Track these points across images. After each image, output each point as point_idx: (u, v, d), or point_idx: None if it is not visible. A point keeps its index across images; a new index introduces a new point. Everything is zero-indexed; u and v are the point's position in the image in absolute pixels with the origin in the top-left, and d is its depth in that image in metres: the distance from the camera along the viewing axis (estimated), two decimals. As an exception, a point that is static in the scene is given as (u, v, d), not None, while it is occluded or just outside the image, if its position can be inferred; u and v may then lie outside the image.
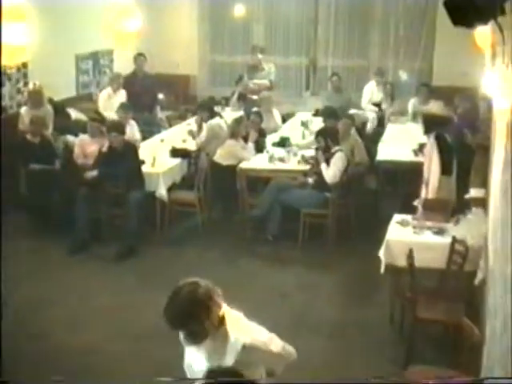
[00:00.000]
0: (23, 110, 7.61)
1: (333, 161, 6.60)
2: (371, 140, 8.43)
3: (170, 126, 9.35)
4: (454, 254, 4.85)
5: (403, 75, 10.37)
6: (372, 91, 9.64)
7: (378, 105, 9.54)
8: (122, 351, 4.67)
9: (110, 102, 8.55)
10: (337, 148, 6.71)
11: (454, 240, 4.89)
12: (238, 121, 7.58)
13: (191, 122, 8.68)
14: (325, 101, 9.34)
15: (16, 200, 7.32)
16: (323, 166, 6.62)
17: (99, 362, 4.50)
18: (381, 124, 9.34)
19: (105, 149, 6.70)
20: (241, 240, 6.86)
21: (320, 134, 6.84)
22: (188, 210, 7.15)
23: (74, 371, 4.31)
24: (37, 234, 6.87)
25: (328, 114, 7.75)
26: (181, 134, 8.42)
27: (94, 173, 6.57)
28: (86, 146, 7.06)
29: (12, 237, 6.39)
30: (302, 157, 7.18)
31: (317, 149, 6.75)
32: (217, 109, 8.74)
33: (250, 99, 9.28)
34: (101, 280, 5.93)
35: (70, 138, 7.55)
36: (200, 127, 7.96)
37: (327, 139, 6.69)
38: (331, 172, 6.57)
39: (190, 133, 8.15)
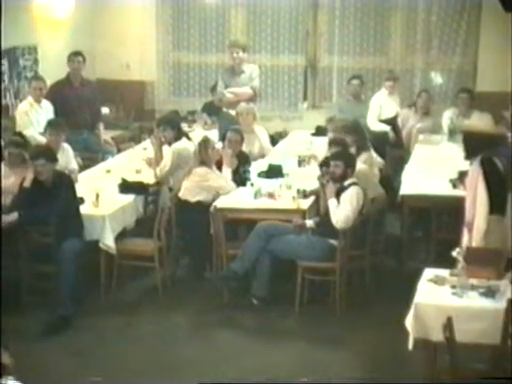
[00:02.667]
0: None
1: (345, 197, 6.62)
2: (390, 167, 8.51)
3: (119, 150, 9.39)
4: (512, 323, 4.85)
5: (436, 78, 10.54)
6: (381, 104, 9.78)
7: (391, 121, 9.67)
8: None
9: (34, 118, 8.58)
10: (351, 180, 6.77)
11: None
12: (203, 142, 7.49)
13: (148, 146, 8.71)
14: (337, 113, 9.46)
15: None
16: (333, 202, 6.64)
17: None
18: (399, 145, 9.44)
19: (28, 183, 6.68)
20: (216, 305, 6.84)
21: (339, 156, 6.87)
22: (144, 265, 7.13)
23: None
24: None
25: (350, 129, 7.79)
26: (134, 161, 8.45)
27: (13, 216, 6.55)
28: (2, 180, 7.06)
29: None
30: (299, 191, 7.22)
31: (325, 179, 6.78)
32: (183, 127, 8.81)
33: (227, 114, 9.33)
34: (21, 365, 5.83)
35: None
36: (160, 152, 8.00)
37: (347, 165, 6.73)
38: (343, 212, 6.57)
39: (147, 160, 8.18)
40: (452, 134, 8.90)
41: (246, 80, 9.52)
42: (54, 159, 6.83)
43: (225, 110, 9.39)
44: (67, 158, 7.79)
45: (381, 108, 9.75)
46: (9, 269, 6.61)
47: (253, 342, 6.26)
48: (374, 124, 9.65)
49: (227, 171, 7.54)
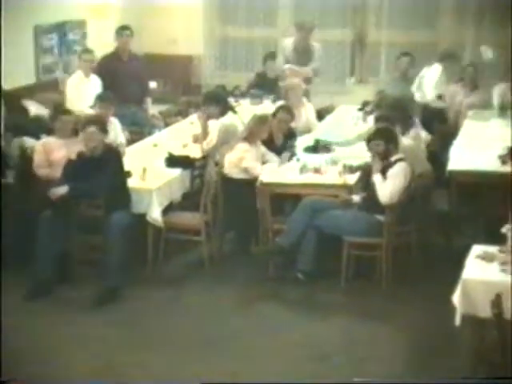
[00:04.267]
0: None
1: (392, 173, 6.60)
2: (438, 143, 8.43)
3: (166, 125, 9.44)
4: None
5: (486, 53, 10.36)
6: (437, 81, 9.65)
7: (439, 96, 9.58)
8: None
9: (83, 92, 8.67)
10: (398, 156, 6.73)
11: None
12: (262, 119, 7.62)
13: (194, 120, 8.75)
14: (384, 88, 9.40)
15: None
16: (378, 178, 6.63)
17: None
18: (447, 121, 9.35)
19: (78, 155, 6.75)
20: (261, 279, 6.89)
21: (379, 134, 6.86)
22: (190, 239, 7.19)
23: None
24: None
25: (397, 105, 7.73)
26: (181, 136, 8.49)
27: (63, 189, 6.59)
28: (51, 152, 7.14)
29: None
30: (345, 166, 7.21)
31: (372, 155, 6.77)
32: (230, 102, 8.82)
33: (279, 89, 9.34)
34: (71, 336, 5.96)
35: (28, 140, 7.65)
36: (207, 127, 8.03)
37: (388, 142, 6.72)
38: (389, 188, 6.55)
39: (194, 135, 8.22)
40: (502, 109, 8.79)
41: (309, 60, 9.55)
42: (104, 130, 6.85)
43: (281, 84, 9.41)
44: (115, 132, 7.86)
45: (436, 83, 9.64)
46: (59, 241, 6.74)
47: (298, 316, 6.28)
48: (423, 99, 9.55)
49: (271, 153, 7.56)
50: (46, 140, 7.29)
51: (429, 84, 9.62)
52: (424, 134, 7.96)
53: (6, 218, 7.05)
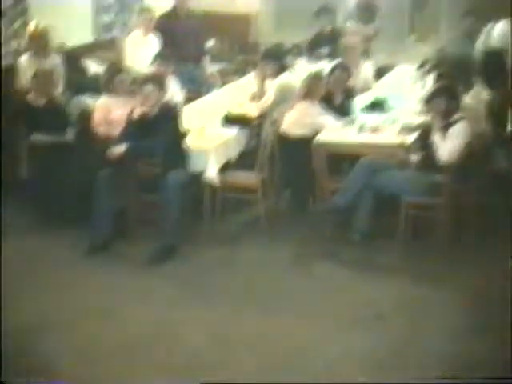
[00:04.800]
0: (23, 60, 7.82)
1: (452, 132, 6.49)
2: (500, 102, 8.25)
3: (224, 83, 9.44)
4: None
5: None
6: (503, 36, 9.41)
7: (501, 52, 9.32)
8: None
9: (141, 51, 8.69)
10: (459, 115, 6.62)
11: None
12: (316, 76, 7.58)
13: (252, 79, 8.73)
14: (445, 47, 9.22)
15: (15, 185, 7.58)
16: (438, 137, 6.53)
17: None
18: (507, 79, 9.11)
19: (136, 114, 6.80)
20: (317, 239, 6.89)
21: (440, 92, 6.73)
22: (247, 198, 7.22)
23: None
24: (43, 229, 7.07)
25: (457, 64, 7.59)
26: (238, 94, 8.48)
27: (121, 147, 6.66)
28: (110, 111, 7.19)
29: (10, 234, 6.63)
30: (404, 125, 7.12)
31: (430, 114, 6.67)
32: (287, 60, 8.77)
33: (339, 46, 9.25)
34: (129, 291, 6.07)
35: (87, 99, 7.73)
36: (264, 86, 8.00)
37: (450, 100, 6.60)
38: (449, 147, 6.46)
39: (251, 94, 8.20)
40: None
41: (372, 18, 9.42)
42: (162, 88, 6.86)
43: (340, 42, 9.31)
44: (173, 91, 7.88)
45: (500, 40, 9.41)
46: (118, 199, 6.83)
47: (353, 276, 6.27)
48: (487, 56, 9.33)
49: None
50: (106, 99, 7.35)
51: (493, 41, 9.41)
52: (485, 93, 7.80)
53: (67, 175, 7.18)
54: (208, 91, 8.94)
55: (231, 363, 4.99)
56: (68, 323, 5.51)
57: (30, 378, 4.69)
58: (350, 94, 7.87)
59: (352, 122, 7.36)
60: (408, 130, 7.05)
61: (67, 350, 5.16)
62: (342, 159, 7.22)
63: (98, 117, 7.22)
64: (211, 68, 9.68)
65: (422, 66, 9.08)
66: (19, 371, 4.81)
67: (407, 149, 6.88)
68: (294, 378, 4.77)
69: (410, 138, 6.95)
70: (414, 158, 6.77)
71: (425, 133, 6.75)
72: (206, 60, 9.60)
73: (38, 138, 7.25)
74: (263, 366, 4.93)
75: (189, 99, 8.38)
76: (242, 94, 8.40)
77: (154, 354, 5.13)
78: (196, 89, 8.91)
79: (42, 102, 7.33)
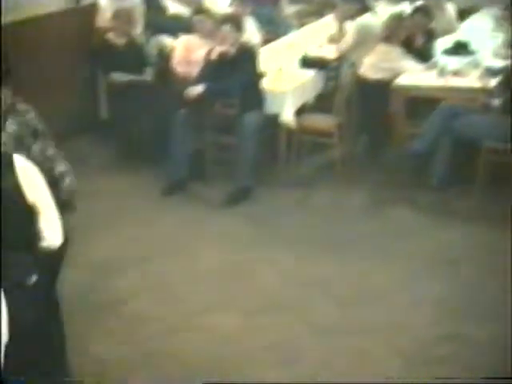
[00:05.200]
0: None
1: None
2: None
3: (302, 25, 9.35)
4: None
5: None
6: None
7: None
8: (226, 328, 4.80)
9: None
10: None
11: None
12: (397, 17, 7.43)
13: (330, 21, 8.62)
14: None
15: (93, 125, 7.72)
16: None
17: (194, 340, 4.64)
18: None
19: (214, 54, 6.79)
20: (393, 184, 6.83)
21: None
22: (322, 141, 7.18)
23: (159, 351, 4.52)
24: (120, 169, 7.21)
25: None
26: (316, 36, 8.40)
27: (199, 88, 6.69)
28: (191, 50, 7.20)
29: (87, 174, 6.75)
30: (486, 69, 6.96)
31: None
32: (368, 2, 8.61)
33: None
34: (203, 232, 6.15)
35: (166, 39, 7.76)
36: (343, 27, 7.90)
37: None
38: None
39: (329, 35, 8.11)
40: None
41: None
42: (240, 28, 6.85)
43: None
44: (251, 31, 7.86)
45: None
46: (194, 140, 6.89)
47: (429, 222, 6.21)
48: None
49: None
50: (187, 37, 7.36)
51: None
52: None
53: (145, 115, 7.27)
54: (286, 32, 8.87)
55: (306, 304, 5.04)
56: (145, 259, 5.64)
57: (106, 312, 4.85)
58: (431, 36, 7.72)
59: (433, 65, 7.23)
60: (490, 73, 6.90)
61: (143, 285, 5.30)
62: (421, 103, 7.12)
63: (178, 55, 7.25)
64: (289, 9, 9.59)
65: (508, 7, 8.83)
66: (97, 305, 4.99)
67: (489, 93, 6.73)
68: (369, 321, 4.79)
69: (492, 83, 6.79)
70: (496, 102, 6.61)
71: (507, 77, 6.58)
72: (284, 1, 9.51)
73: (117, 77, 7.34)
74: (337, 308, 4.96)
75: (266, 40, 8.34)
76: (320, 36, 8.32)
77: (228, 293, 5.21)
78: (274, 30, 8.85)
79: (121, 41, 7.39)
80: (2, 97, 3.58)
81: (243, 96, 6.65)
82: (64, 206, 3.66)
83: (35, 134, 3.58)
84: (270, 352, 4.50)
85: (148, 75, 7.40)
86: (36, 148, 3.55)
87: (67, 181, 3.72)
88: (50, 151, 3.61)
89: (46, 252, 3.30)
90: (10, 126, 3.56)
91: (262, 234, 6.06)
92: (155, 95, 7.30)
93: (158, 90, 7.33)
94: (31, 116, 3.64)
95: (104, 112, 7.93)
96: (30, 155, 3.37)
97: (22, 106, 3.64)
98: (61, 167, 3.68)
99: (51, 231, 3.29)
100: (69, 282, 4.76)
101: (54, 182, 3.61)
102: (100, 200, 6.48)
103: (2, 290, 2.99)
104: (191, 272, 5.49)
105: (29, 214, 3.19)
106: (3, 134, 3.54)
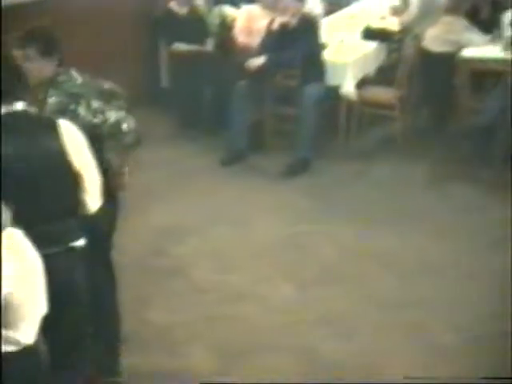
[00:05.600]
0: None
1: None
2: None
3: (364, -5, 9.28)
4: None
5: None
6: None
7: None
8: (279, 299, 4.84)
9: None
10: None
11: None
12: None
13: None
14: None
15: (155, 95, 7.79)
16: None
17: (246, 310, 4.69)
18: None
19: (275, 25, 6.77)
20: (455, 159, 6.77)
21: None
22: (383, 114, 7.15)
23: (218, 318, 4.59)
24: (180, 139, 7.27)
25: None
26: (379, 8, 8.32)
27: (260, 58, 6.68)
28: (253, 20, 7.17)
29: (148, 144, 6.80)
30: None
31: None
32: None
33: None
34: (261, 203, 6.18)
35: (228, 9, 7.77)
36: (407, -1, 7.83)
37: None
38: None
39: (393, 7, 8.03)
40: None
41: None
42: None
43: None
44: (313, 2, 7.80)
45: None
46: (254, 111, 6.90)
47: (489, 198, 6.12)
48: None
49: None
50: (249, 8, 7.34)
51: None
52: None
53: (205, 85, 7.32)
54: (348, 4, 8.81)
55: (362, 277, 5.05)
56: (204, 228, 5.70)
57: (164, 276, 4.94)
58: (498, 7, 7.56)
59: (499, 37, 7.10)
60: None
61: (202, 253, 5.37)
62: (486, 77, 7.02)
63: (240, 25, 7.24)
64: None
65: None
66: (157, 271, 5.08)
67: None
68: (426, 295, 4.78)
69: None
70: None
71: None
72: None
73: (179, 47, 7.39)
74: (394, 281, 4.97)
75: (328, 11, 8.29)
76: (383, 8, 8.24)
77: (285, 264, 5.25)
78: (336, 1, 8.79)
79: (183, 10, 7.42)
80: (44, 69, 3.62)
81: (304, 67, 6.63)
82: (131, 147, 3.75)
83: (77, 98, 3.62)
84: (326, 324, 4.53)
85: (209, 45, 7.42)
86: (81, 110, 3.60)
87: (124, 125, 3.77)
88: (96, 104, 3.67)
89: (91, 216, 3.35)
90: (52, 97, 3.61)
91: (320, 206, 6.06)
92: (216, 66, 7.32)
93: (218, 61, 7.35)
94: (72, 84, 3.67)
95: (165, 82, 8.00)
96: (77, 121, 3.42)
97: (63, 77, 3.68)
98: (113, 116, 3.73)
99: (93, 196, 3.32)
100: (129, 248, 4.88)
101: (113, 132, 3.68)
102: (160, 169, 6.56)
103: (53, 255, 3.08)
104: (249, 242, 5.53)
105: (75, 178, 3.22)
106: (47, 105, 3.59)
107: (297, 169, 6.63)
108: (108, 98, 3.73)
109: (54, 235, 3.18)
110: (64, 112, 3.54)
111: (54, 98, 3.61)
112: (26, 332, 2.78)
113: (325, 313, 4.64)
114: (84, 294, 3.32)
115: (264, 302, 4.76)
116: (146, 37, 7.87)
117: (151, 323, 4.51)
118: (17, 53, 3.59)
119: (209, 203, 6.11)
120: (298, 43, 6.54)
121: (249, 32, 7.15)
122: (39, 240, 2.88)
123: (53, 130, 3.18)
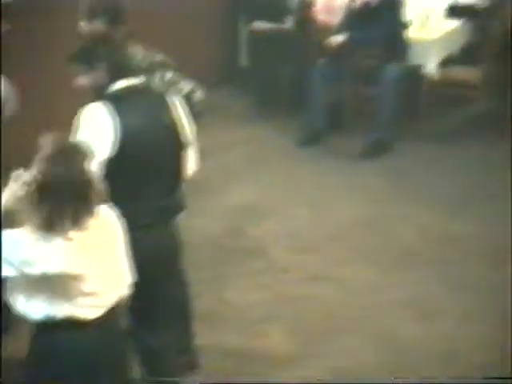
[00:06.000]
0: None
1: None
2: None
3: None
4: None
5: None
6: None
7: None
8: (357, 281, 4.81)
9: None
10: None
11: None
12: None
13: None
14: None
15: (233, 74, 7.79)
16: None
17: (324, 292, 4.67)
18: None
19: (358, 3, 6.63)
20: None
21: None
22: (466, 94, 7.00)
23: (290, 298, 4.59)
24: (258, 119, 7.22)
25: None
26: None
27: (341, 37, 6.60)
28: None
29: (226, 123, 6.86)
30: None
31: None
32: None
33: None
34: (338, 184, 6.12)
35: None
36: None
37: None
38: None
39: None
40: None
41: None
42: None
43: None
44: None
45: None
46: (333, 91, 6.83)
47: None
48: None
49: None
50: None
51: None
52: None
53: (284, 64, 7.27)
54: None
55: (443, 260, 4.97)
56: (281, 208, 5.68)
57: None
58: None
59: None
60: None
61: (279, 234, 5.36)
62: None
63: (318, 4, 7.17)
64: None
65: None
66: (234, 251, 5.09)
67: None
68: (508, 280, 4.66)
69: None
70: None
71: None
72: None
73: (259, 25, 7.36)
74: (474, 265, 4.88)
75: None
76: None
77: (364, 246, 5.20)
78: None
79: (263, -12, 7.40)
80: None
81: (386, 46, 6.53)
82: (196, 116, 3.74)
83: (149, 71, 3.66)
84: (406, 306, 4.48)
85: (289, 23, 7.37)
86: (155, 82, 3.65)
87: (197, 95, 3.83)
88: (169, 75, 3.71)
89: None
90: None
91: (399, 188, 5.98)
92: (295, 44, 7.26)
93: (298, 39, 7.28)
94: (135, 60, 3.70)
95: (244, 61, 7.98)
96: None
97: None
98: (187, 85, 3.80)
99: (189, 169, 3.41)
100: (206, 228, 4.91)
101: (186, 103, 3.72)
102: (238, 149, 6.55)
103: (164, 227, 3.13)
104: (326, 224, 5.49)
105: (183, 150, 3.33)
106: None
107: (376, 150, 6.54)
108: (163, 69, 3.77)
109: (173, 206, 3.32)
110: None
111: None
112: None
113: (406, 295, 4.59)
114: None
115: (342, 284, 4.73)
116: (225, 15, 7.86)
117: (228, 302, 4.52)
118: (84, 24, 3.62)
119: (286, 184, 6.08)
120: (380, 21, 6.44)
121: (329, 10, 7.07)
122: (159, 212, 3.14)
123: (165, 102, 3.29)
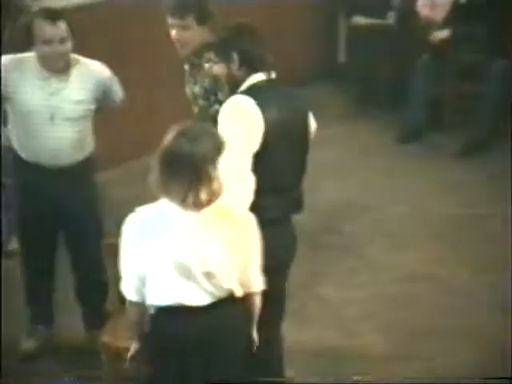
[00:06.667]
0: None
1: None
2: None
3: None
4: None
5: None
6: None
7: None
8: (454, 282, 4.78)
9: None
10: None
11: None
12: None
13: None
14: None
15: (331, 70, 7.79)
16: None
17: (420, 291, 4.66)
18: None
19: (464, -2, 6.57)
20: None
21: None
22: None
23: (385, 297, 4.58)
24: (355, 115, 7.21)
25: None
26: None
27: (444, 32, 6.56)
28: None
29: (324, 120, 6.80)
30: None
31: None
32: None
33: None
34: (437, 182, 6.04)
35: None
36: None
37: None
38: None
39: None
40: None
41: None
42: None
43: None
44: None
45: None
46: (435, 87, 6.75)
47: None
48: None
49: None
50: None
51: None
52: None
53: (384, 60, 7.23)
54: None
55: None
56: (376, 207, 5.67)
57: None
58: None
59: None
60: None
61: (375, 232, 5.36)
62: None
63: (422, 0, 7.10)
64: None
65: None
66: (329, 248, 5.13)
67: None
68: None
69: None
70: None
71: None
72: None
73: (359, 20, 7.35)
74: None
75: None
76: None
77: (459, 246, 5.16)
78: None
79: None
80: None
81: (491, 42, 6.44)
82: None
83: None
84: (502, 311, 4.41)
85: (391, 19, 7.32)
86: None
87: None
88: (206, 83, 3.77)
89: None
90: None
91: (497, 188, 5.83)
92: (397, 40, 7.22)
93: (399, 35, 7.24)
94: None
95: (342, 57, 7.98)
96: None
97: None
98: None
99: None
100: (301, 224, 4.93)
101: None
102: (335, 145, 6.54)
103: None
104: (424, 222, 5.45)
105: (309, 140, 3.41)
106: None
107: (474, 148, 6.44)
108: None
109: (300, 199, 3.41)
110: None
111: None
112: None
113: (501, 299, 4.51)
114: None
115: (438, 284, 4.70)
116: (324, 10, 7.86)
117: (322, 299, 4.55)
118: (173, 22, 3.69)
119: (383, 181, 6.04)
120: (485, 17, 6.37)
121: (433, 5, 7.00)
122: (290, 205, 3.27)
123: (296, 95, 3.37)
